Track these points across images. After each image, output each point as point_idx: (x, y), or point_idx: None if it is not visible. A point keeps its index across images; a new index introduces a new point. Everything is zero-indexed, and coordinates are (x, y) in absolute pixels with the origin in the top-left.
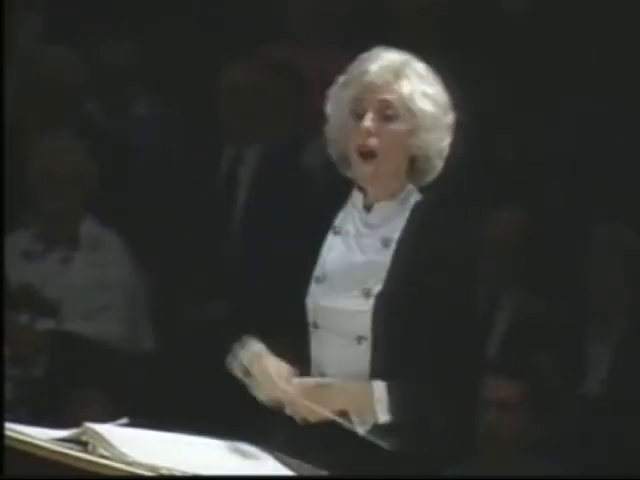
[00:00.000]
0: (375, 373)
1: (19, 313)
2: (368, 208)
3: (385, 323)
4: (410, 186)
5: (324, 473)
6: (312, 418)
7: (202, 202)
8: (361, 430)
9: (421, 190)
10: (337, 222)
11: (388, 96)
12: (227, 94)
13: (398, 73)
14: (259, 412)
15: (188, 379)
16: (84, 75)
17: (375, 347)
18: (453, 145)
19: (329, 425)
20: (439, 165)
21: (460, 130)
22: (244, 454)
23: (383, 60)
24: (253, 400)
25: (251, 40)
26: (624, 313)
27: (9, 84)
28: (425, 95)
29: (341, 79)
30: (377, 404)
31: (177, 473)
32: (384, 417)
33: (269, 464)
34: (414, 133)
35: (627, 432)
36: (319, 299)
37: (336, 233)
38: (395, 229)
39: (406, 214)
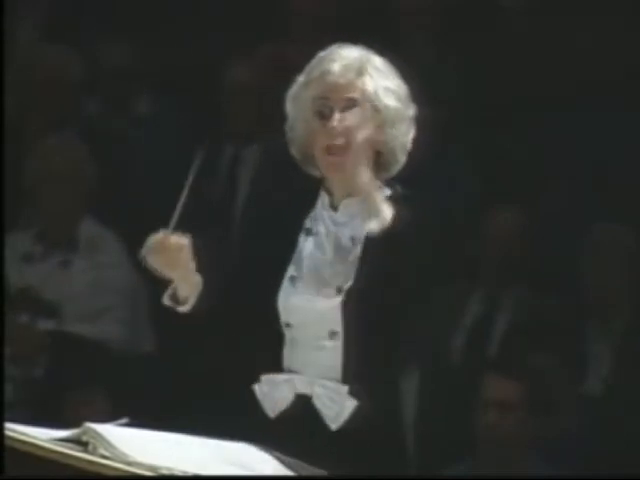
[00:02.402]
0: (347, 371)
1: (19, 316)
2: (335, 207)
3: (355, 315)
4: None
5: (324, 473)
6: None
7: (202, 202)
8: (333, 426)
9: (388, 184)
10: (308, 223)
11: (353, 94)
12: (227, 94)
13: (360, 70)
14: (259, 411)
15: (188, 379)
16: (84, 75)
17: (347, 341)
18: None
19: (299, 418)
20: (403, 158)
21: (459, 128)
22: (244, 454)
23: (344, 59)
24: (253, 400)
25: (251, 40)
26: (624, 313)
27: (9, 84)
28: (388, 90)
29: (301, 79)
30: None
31: (177, 473)
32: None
33: (269, 464)
34: (379, 129)
35: (627, 432)
36: (291, 298)
37: (308, 234)
38: (362, 226)
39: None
